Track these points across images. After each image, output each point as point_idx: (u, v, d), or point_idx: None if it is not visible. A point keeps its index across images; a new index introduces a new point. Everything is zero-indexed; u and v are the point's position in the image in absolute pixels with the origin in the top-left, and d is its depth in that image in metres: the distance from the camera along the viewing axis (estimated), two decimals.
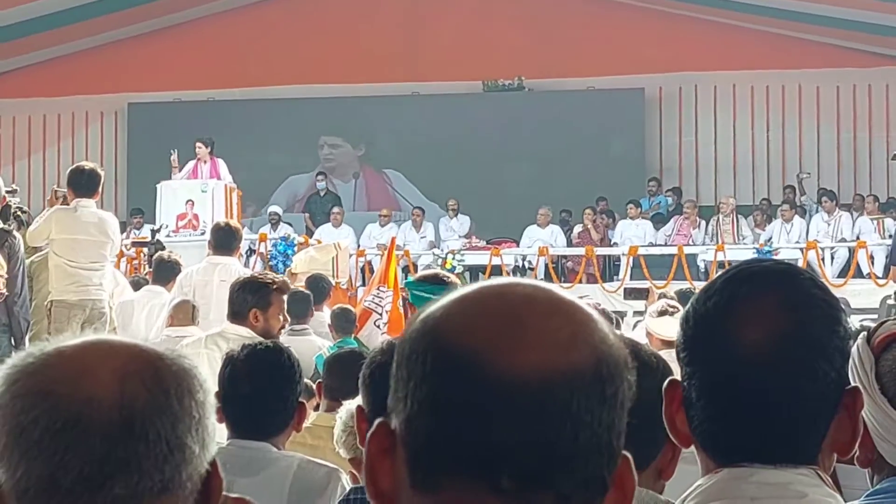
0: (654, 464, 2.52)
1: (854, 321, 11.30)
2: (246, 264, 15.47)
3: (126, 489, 1.22)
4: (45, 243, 9.56)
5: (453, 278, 6.33)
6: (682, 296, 9.90)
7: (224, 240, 9.45)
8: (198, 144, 17.38)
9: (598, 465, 1.21)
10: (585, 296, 10.65)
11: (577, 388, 1.19)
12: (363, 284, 16.52)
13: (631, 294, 12.40)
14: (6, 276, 8.60)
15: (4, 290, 8.61)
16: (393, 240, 12.68)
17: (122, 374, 1.25)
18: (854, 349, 1.99)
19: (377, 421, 1.25)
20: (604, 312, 10.27)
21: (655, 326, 8.19)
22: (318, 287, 10.59)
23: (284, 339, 7.49)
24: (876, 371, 1.98)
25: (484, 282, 1.27)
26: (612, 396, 1.22)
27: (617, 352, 1.24)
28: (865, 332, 2.04)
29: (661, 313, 8.29)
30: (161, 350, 1.31)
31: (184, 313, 8.57)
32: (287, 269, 14.79)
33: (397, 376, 1.24)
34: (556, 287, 1.27)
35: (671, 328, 8.04)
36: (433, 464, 1.20)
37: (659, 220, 20.80)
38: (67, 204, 9.63)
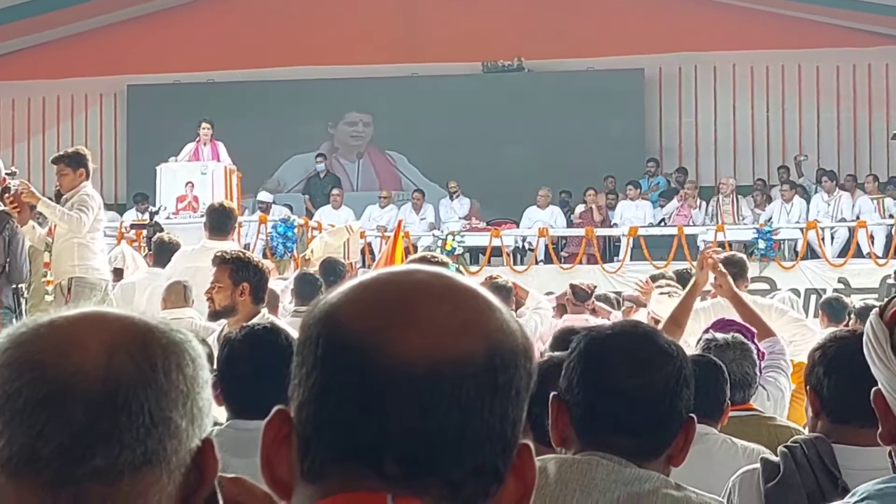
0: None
1: (854, 300, 11.29)
2: (246, 246, 15.46)
3: (106, 460, 1.22)
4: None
5: (442, 258, 6.28)
6: (680, 277, 9.91)
7: (218, 222, 9.47)
8: (204, 125, 17.36)
9: (491, 454, 1.19)
10: (550, 293, 10.60)
11: (467, 376, 1.17)
12: (364, 266, 16.51)
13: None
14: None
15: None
16: (400, 222, 12.73)
17: (110, 347, 1.24)
18: (867, 325, 1.98)
19: (275, 408, 1.24)
20: (606, 297, 10.29)
21: (657, 308, 8.27)
22: (334, 271, 10.56)
23: (288, 320, 7.49)
24: (892, 343, 1.98)
25: (385, 269, 1.26)
26: (506, 385, 1.19)
27: (514, 340, 1.21)
28: (878, 308, 2.03)
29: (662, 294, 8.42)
30: (153, 322, 1.30)
31: (176, 295, 8.57)
32: (302, 256, 14.81)
33: (295, 363, 1.24)
34: (457, 275, 1.25)
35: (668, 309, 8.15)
36: (320, 451, 1.19)
37: (665, 196, 20.79)
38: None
